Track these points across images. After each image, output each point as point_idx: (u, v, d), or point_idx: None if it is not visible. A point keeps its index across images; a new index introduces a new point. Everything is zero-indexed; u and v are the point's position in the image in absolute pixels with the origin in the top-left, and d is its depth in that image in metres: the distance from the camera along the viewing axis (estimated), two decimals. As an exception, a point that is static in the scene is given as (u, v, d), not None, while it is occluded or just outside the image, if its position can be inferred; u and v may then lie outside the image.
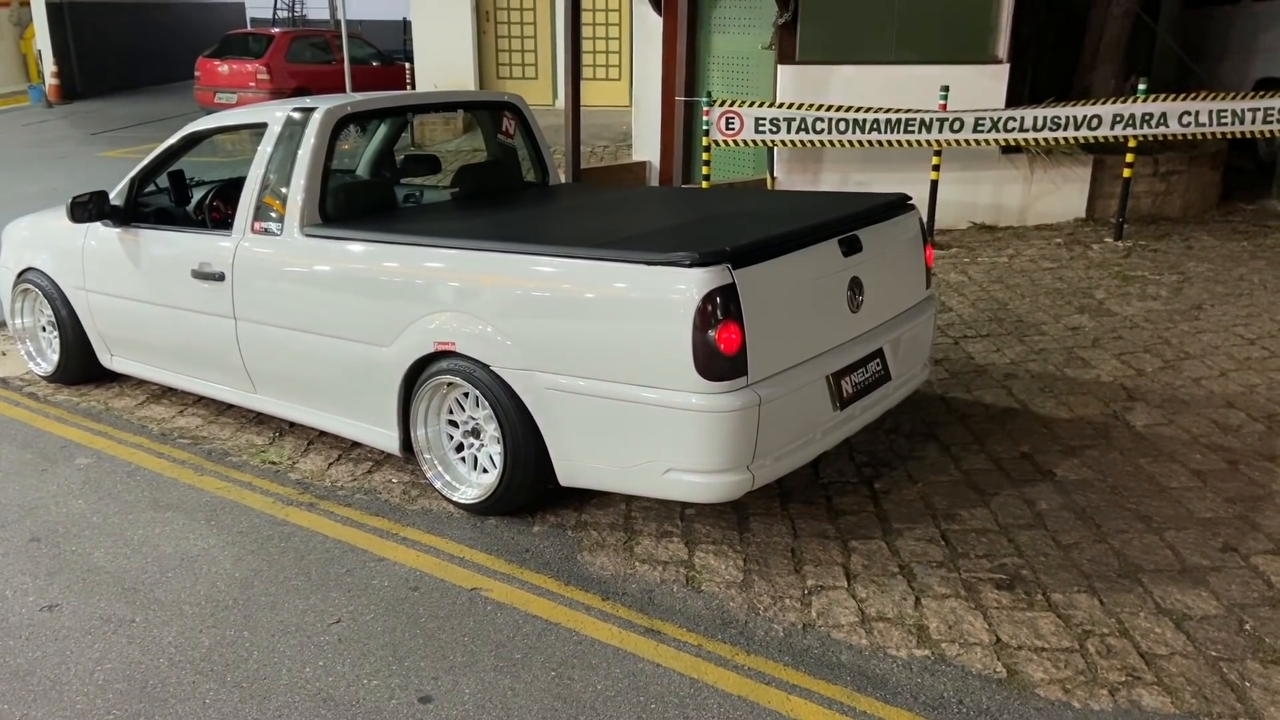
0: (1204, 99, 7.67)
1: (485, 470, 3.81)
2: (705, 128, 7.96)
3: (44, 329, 5.38)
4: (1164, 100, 7.66)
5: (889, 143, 7.84)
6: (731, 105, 7.86)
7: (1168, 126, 7.69)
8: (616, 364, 3.29)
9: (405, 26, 18.25)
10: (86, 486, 4.15)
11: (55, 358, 5.29)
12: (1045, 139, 7.86)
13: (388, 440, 3.99)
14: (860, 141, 7.86)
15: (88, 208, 4.66)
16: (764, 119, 7.85)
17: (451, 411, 3.84)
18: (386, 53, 18.15)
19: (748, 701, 2.76)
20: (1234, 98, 7.71)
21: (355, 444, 4.44)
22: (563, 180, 6.28)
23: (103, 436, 4.66)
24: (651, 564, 3.46)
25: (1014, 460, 4.18)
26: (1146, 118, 7.67)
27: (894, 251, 3.99)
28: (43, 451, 4.51)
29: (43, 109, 19.35)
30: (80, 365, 5.22)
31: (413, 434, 3.90)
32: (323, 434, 4.56)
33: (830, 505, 3.84)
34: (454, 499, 3.85)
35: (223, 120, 4.88)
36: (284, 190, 4.17)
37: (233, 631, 3.13)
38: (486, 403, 3.61)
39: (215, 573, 3.47)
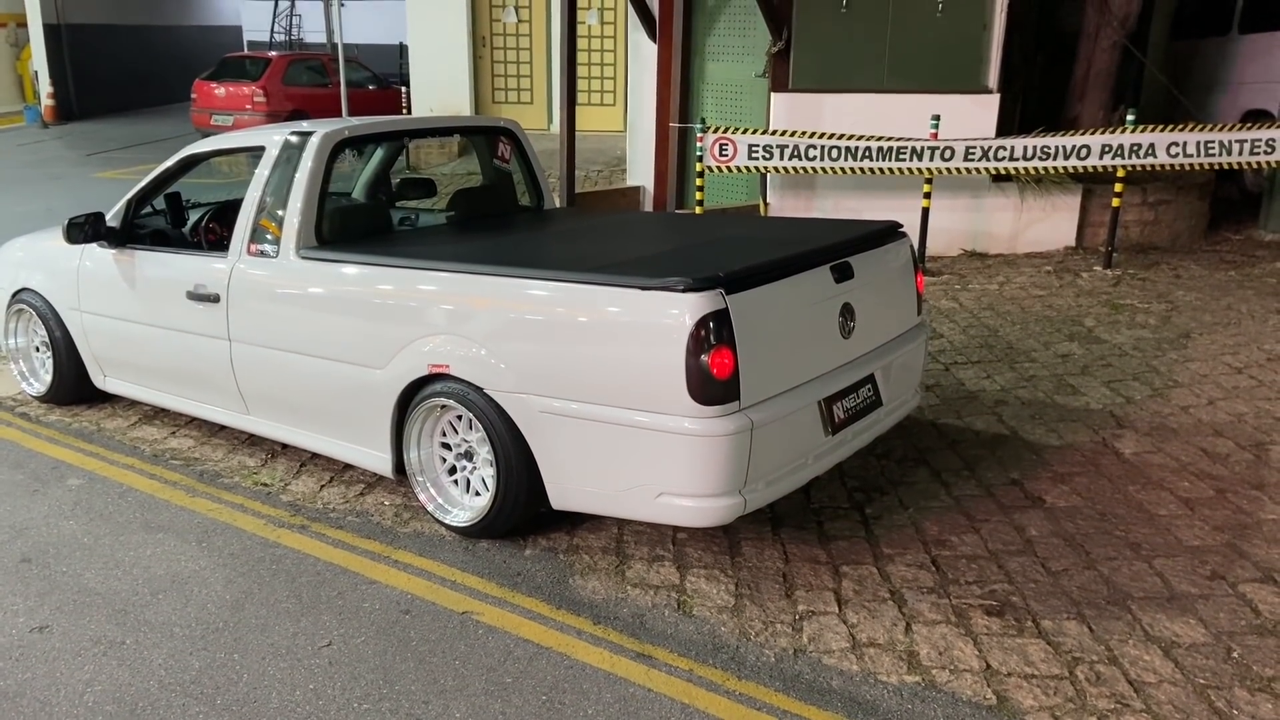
0: (1192, 130, 7.76)
1: (478, 493, 3.82)
2: (699, 154, 8.03)
3: (37, 349, 5.39)
4: (1152, 131, 7.74)
5: (881, 170, 7.91)
6: (725, 132, 7.93)
7: (1156, 157, 7.77)
8: (609, 388, 3.31)
9: (401, 50, 18.35)
10: (78, 507, 4.14)
11: (48, 378, 5.29)
12: (1035, 168, 7.94)
13: (380, 463, 4.00)
14: (852, 169, 7.93)
15: (84, 229, 4.68)
16: (757, 146, 7.91)
17: (445, 434, 3.85)
18: (382, 76, 18.24)
19: (738, 726, 2.76)
20: (1221, 129, 7.81)
21: (347, 466, 4.44)
22: (557, 204, 6.32)
23: (94, 457, 4.66)
24: (643, 588, 3.47)
25: (1004, 486, 4.21)
26: (1135, 148, 7.75)
27: (885, 278, 4.03)
28: (34, 472, 4.50)
29: (38, 129, 19.39)
30: (73, 386, 5.22)
31: (405, 456, 3.90)
32: (315, 456, 4.56)
33: (821, 530, 3.85)
34: (446, 522, 3.86)
35: (220, 143, 4.91)
36: (280, 213, 4.19)
37: (223, 654, 3.12)
38: (480, 426, 3.62)
39: (206, 595, 3.47)
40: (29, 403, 5.39)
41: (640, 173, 10.13)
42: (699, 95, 9.48)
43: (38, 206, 11.07)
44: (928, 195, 8.00)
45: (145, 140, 17.37)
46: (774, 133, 7.98)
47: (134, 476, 4.45)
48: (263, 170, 4.32)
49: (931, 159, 7.83)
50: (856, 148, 7.86)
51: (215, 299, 4.32)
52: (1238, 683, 2.91)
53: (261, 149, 4.40)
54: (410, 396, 3.81)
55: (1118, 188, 7.96)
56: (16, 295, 5.32)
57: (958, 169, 7.87)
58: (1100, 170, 7.96)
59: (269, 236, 4.22)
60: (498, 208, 5.13)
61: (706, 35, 9.31)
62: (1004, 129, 8.42)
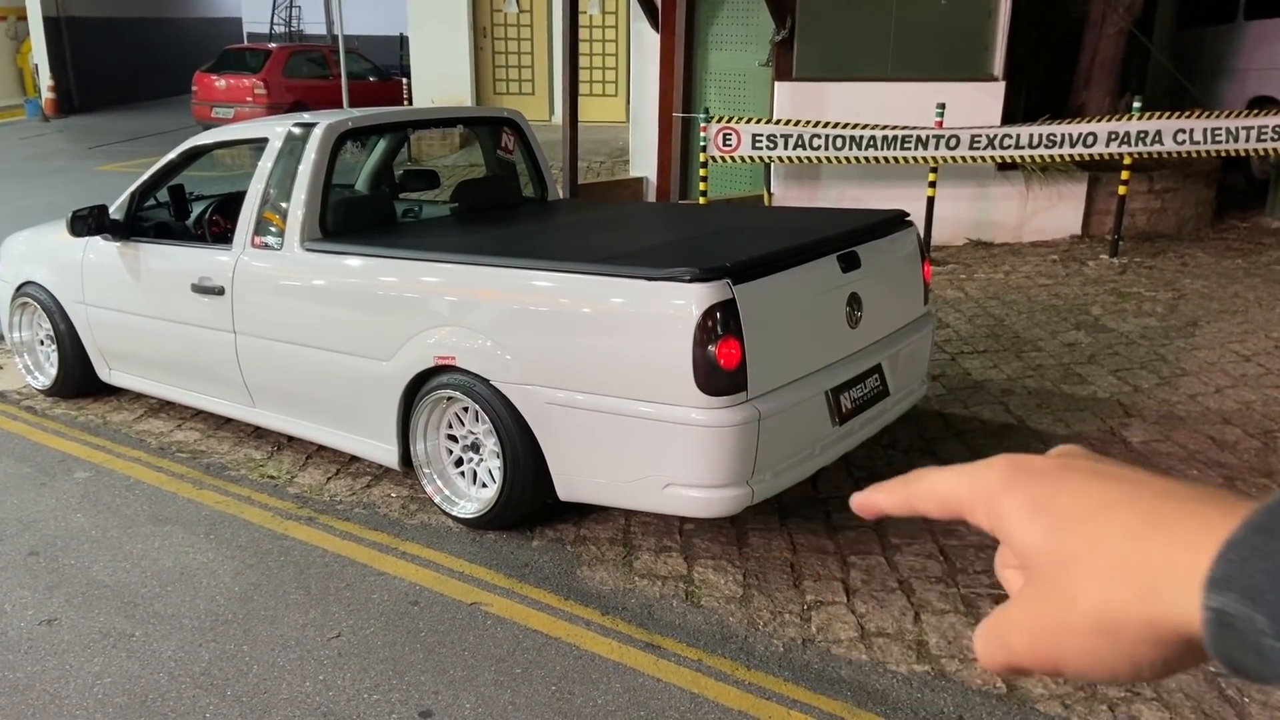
0: (1198, 117, 7.73)
1: (484, 485, 3.81)
2: (702, 144, 8.00)
3: (42, 343, 5.38)
4: (1159, 118, 7.71)
5: (886, 159, 7.88)
6: (729, 122, 7.90)
7: (1162, 144, 7.74)
8: (616, 379, 3.30)
9: (402, 42, 18.33)
10: (85, 500, 4.15)
11: (53, 371, 5.29)
12: (1041, 156, 7.91)
13: (387, 455, 3.99)
14: (857, 158, 7.90)
15: (88, 221, 4.67)
16: (761, 135, 7.88)
17: (451, 426, 3.84)
18: (383, 68, 18.22)
19: (748, 716, 2.76)
20: (1228, 116, 7.77)
21: (354, 458, 4.44)
22: (561, 196, 6.30)
23: (101, 450, 4.66)
24: (651, 579, 3.47)
25: (1012, 476, 4.19)
26: (1141, 136, 7.72)
27: (892, 268, 4.02)
28: (41, 465, 4.50)
29: (39, 123, 19.37)
30: (78, 379, 5.22)
31: (412, 448, 3.90)
32: (321, 448, 4.56)
33: (829, 521, 3.85)
34: (453, 513, 3.85)
35: (223, 135, 4.90)
36: (284, 205, 4.18)
37: (232, 645, 3.12)
38: (486, 417, 3.62)
39: (215, 587, 3.47)
40: (35, 396, 5.39)
41: (643, 163, 10.10)
42: (702, 85, 9.45)
43: (40, 200, 11.06)
44: (933, 184, 7.97)
45: (146, 133, 17.35)
46: (778, 122, 7.95)
47: (141, 469, 4.45)
48: (266, 162, 4.31)
49: (937, 148, 7.80)
50: (861, 137, 7.83)
51: (220, 291, 4.31)
52: (1248, 671, 2.91)
53: (264, 141, 4.39)
54: (416, 388, 3.80)
55: (1124, 175, 7.93)
56: (21, 289, 5.32)
57: (963, 158, 7.84)
58: (1106, 158, 7.93)
59: (273, 229, 4.21)
60: (501, 199, 5.11)
61: (709, 24, 9.28)
62: (1009, 117, 8.38)
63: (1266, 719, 2.71)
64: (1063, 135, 7.78)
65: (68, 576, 3.55)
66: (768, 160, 8.06)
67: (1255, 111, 7.89)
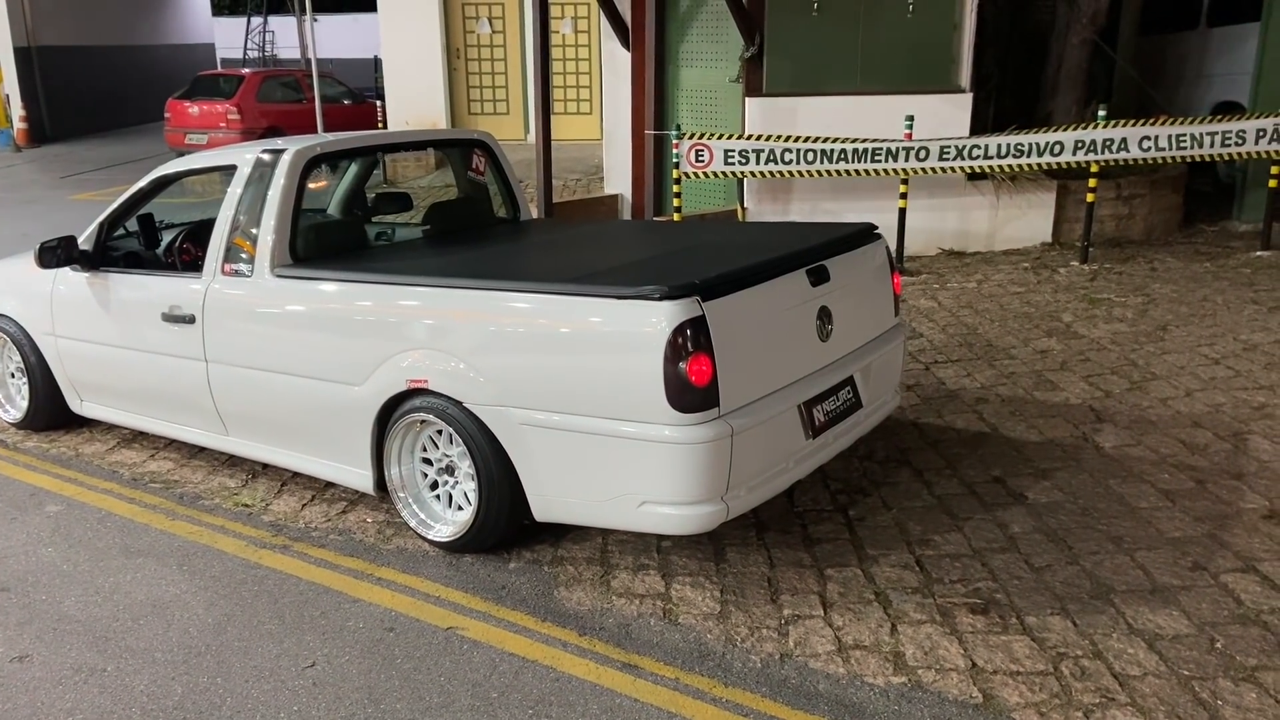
0: (1163, 124, 7.83)
1: (460, 507, 3.80)
2: (675, 160, 8.04)
3: (12, 375, 5.34)
4: (1124, 126, 7.81)
5: (856, 172, 7.94)
6: (700, 138, 7.95)
7: (1128, 151, 7.83)
8: (589, 398, 3.30)
9: (376, 64, 18.32)
10: (56, 534, 4.10)
11: (24, 404, 5.24)
12: (1010, 165, 7.99)
13: (362, 480, 3.97)
14: (828, 171, 7.96)
15: (56, 253, 4.64)
16: (733, 151, 7.93)
17: (425, 449, 3.83)
18: (358, 91, 18.21)
19: (726, 734, 2.75)
20: (1193, 122, 7.88)
21: (329, 484, 4.42)
22: (535, 215, 6.31)
23: (72, 483, 4.62)
24: (628, 597, 3.46)
25: (986, 484, 4.22)
26: (1108, 143, 7.81)
27: (862, 280, 4.04)
28: (12, 499, 4.46)
29: (11, 153, 19.24)
30: (50, 411, 5.17)
31: (387, 473, 3.89)
32: (296, 475, 4.53)
33: (805, 533, 3.85)
34: (429, 537, 3.84)
35: (192, 163, 4.88)
36: (254, 231, 4.17)
37: (206, 678, 3.09)
38: (460, 440, 3.61)
39: (187, 619, 3.44)
40: (5, 429, 5.34)
41: (618, 180, 10.14)
42: (674, 102, 9.50)
43: (12, 231, 10.99)
44: (904, 195, 8.04)
45: (120, 161, 17.26)
46: (749, 137, 8.00)
47: (113, 501, 4.41)
48: (235, 189, 4.30)
49: (907, 159, 7.87)
50: (832, 150, 7.89)
51: (191, 320, 4.29)
52: (1222, 673, 2.93)
53: (233, 168, 4.38)
54: (390, 412, 3.79)
55: (1092, 183, 8.01)
56: (-10, 322, 5.27)
57: (933, 168, 7.91)
58: (1074, 166, 8.01)
59: (243, 255, 4.19)
60: (473, 220, 5.11)
61: (680, 42, 9.34)
62: (978, 128, 8.47)
63: (1241, 720, 2.73)
64: (1030, 144, 7.86)
65: (39, 612, 3.51)
66: (740, 175, 8.11)
67: (1219, 117, 8.00)
